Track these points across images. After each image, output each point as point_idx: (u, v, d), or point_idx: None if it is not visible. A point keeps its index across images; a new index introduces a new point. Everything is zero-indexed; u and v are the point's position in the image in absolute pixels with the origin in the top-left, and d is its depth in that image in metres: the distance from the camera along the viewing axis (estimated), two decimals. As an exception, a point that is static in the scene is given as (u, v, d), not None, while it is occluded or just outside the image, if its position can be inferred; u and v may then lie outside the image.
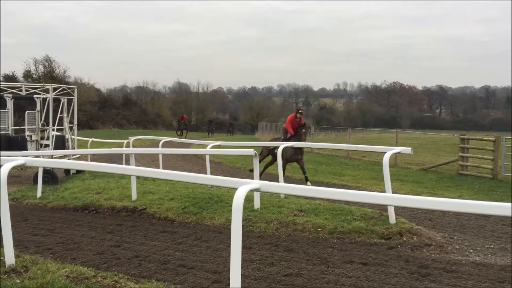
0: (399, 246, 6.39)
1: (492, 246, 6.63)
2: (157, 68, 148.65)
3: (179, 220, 7.95)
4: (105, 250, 6.07)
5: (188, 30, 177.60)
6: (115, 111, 59.16)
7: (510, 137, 15.72)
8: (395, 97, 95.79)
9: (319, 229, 6.97)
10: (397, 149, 7.76)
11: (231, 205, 3.68)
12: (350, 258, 5.77)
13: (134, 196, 9.13)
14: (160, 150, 12.56)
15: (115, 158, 16.87)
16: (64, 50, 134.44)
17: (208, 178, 4.94)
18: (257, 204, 8.00)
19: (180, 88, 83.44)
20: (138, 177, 9.73)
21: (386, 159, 7.24)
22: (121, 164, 13.90)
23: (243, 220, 7.19)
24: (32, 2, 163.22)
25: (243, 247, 5.73)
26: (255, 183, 3.98)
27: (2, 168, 4.77)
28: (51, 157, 12.04)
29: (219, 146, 11.47)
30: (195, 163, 19.46)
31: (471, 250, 6.39)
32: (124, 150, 12.27)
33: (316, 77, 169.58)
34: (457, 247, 6.53)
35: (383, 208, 7.69)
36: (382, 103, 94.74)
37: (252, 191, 3.96)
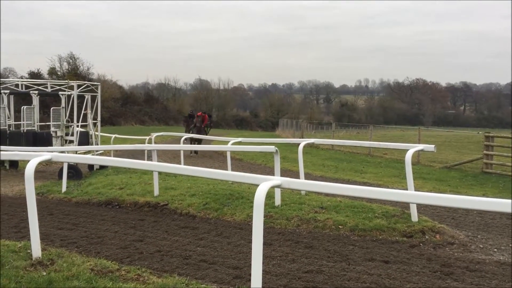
0: (421, 244, 6.33)
1: (517, 245, 6.51)
2: (178, 64, 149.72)
3: (200, 216, 8.02)
4: (128, 245, 6.17)
5: (209, 27, 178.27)
6: (137, 108, 59.79)
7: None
8: (417, 94, 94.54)
9: (340, 226, 6.95)
10: (420, 146, 7.68)
11: (252, 202, 3.70)
12: (371, 255, 5.74)
13: (156, 191, 9.24)
14: (181, 146, 12.67)
15: (138, 154, 17.09)
16: (88, 47, 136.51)
17: (229, 174, 4.98)
18: (278, 200, 8.02)
19: (201, 85, 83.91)
20: (160, 173, 9.84)
21: (408, 156, 7.17)
22: (143, 160, 14.07)
23: (264, 217, 7.24)
24: (57, 1, 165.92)
25: (264, 244, 5.75)
26: (277, 179, 3.99)
27: (29, 163, 4.89)
28: (76, 152, 12.27)
29: (239, 143, 11.50)
30: (216, 159, 19.57)
31: (495, 249, 6.29)
32: (146, 146, 12.42)
33: (338, 74, 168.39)
34: (481, 246, 6.43)
35: (405, 206, 7.62)
36: (404, 100, 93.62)
37: (273, 187, 3.97)
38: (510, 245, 6.53)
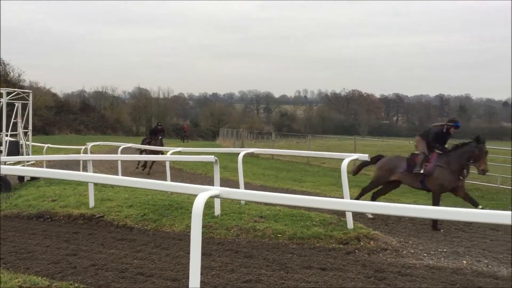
0: (356, 251, 6.52)
1: (444, 249, 6.86)
2: (117, 72, 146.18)
3: (138, 227, 7.84)
4: (61, 259, 5.91)
5: (150, 36, 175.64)
6: (72, 116, 57.66)
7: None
8: (354, 104, 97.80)
9: (279, 235, 7.03)
10: (355, 155, 7.94)
11: (191, 212, 3.67)
12: (309, 263, 5.85)
13: (91, 203, 8.93)
14: (119, 156, 12.35)
15: (72, 165, 16.45)
16: (20, 53, 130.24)
17: (167, 185, 4.91)
18: (217, 210, 7.99)
19: (140, 94, 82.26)
20: (96, 184, 9.53)
21: (344, 165, 7.40)
22: (78, 170, 13.57)
23: (203, 227, 7.18)
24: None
25: (203, 254, 5.71)
26: (215, 189, 3.99)
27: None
28: (4, 163, 11.62)
29: (179, 153, 11.38)
30: (155, 169, 19.22)
31: (425, 254, 6.60)
32: (81, 157, 11.99)
33: (278, 84, 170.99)
34: (412, 251, 6.72)
35: (341, 213, 7.83)
36: (341, 111, 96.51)
37: (212, 197, 3.96)
38: (439, 249, 6.88)
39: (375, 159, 9.45)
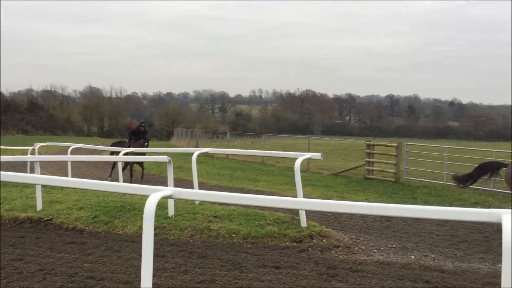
0: (309, 248, 6.62)
1: (394, 245, 7.07)
2: (67, 71, 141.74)
3: (88, 230, 7.63)
4: (6, 265, 5.67)
5: (102, 33, 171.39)
6: (19, 116, 55.49)
7: (412, 143, 16.91)
8: (308, 104, 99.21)
9: (233, 235, 7.04)
10: (308, 154, 8.04)
11: (143, 213, 3.60)
12: (263, 262, 5.88)
13: (39, 206, 8.62)
14: (68, 157, 11.97)
15: (18, 166, 15.82)
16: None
17: (118, 186, 4.80)
18: (171, 211, 7.90)
19: (91, 93, 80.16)
20: (44, 186, 9.20)
21: (297, 164, 7.48)
22: (25, 172, 13.06)
23: (156, 228, 7.11)
24: None
25: (157, 256, 5.64)
26: (167, 190, 3.93)
27: None
28: None
29: (132, 153, 11.17)
30: (108, 170, 18.78)
31: (375, 250, 6.78)
32: (28, 158, 11.54)
33: (233, 84, 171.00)
34: (363, 247, 6.89)
35: (295, 212, 7.92)
36: (296, 110, 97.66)
37: (164, 198, 3.91)
38: (389, 245, 7.09)
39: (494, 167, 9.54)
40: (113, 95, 79.76)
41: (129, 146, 14.55)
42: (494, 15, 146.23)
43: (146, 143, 14.92)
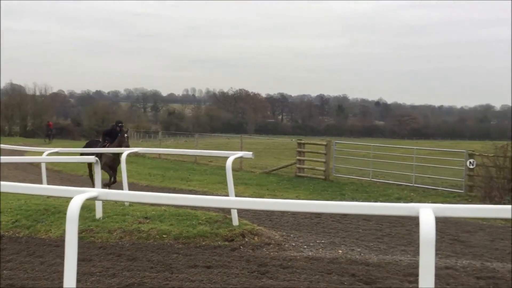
0: (241, 247, 6.66)
1: (323, 241, 7.28)
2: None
3: (8, 235, 7.21)
4: None
5: (25, 28, 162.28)
6: None
7: (340, 142, 17.49)
8: (241, 103, 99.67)
9: (164, 236, 6.93)
10: (239, 153, 8.10)
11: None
12: (194, 262, 5.85)
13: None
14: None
15: None
16: None
17: (39, 188, 4.56)
18: (99, 213, 7.64)
19: (13, 90, 75.64)
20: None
21: (228, 163, 7.50)
22: None
23: (83, 231, 6.85)
24: None
25: (83, 260, 5.44)
26: (93, 191, 3.79)
27: None
28: None
29: (57, 153, 10.68)
30: (31, 171, 17.83)
31: (305, 246, 6.94)
32: None
33: (165, 82, 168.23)
34: (293, 244, 7.04)
35: (227, 211, 7.94)
36: (229, 109, 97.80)
37: (90, 200, 3.76)
38: (318, 241, 7.29)
39: None
40: (37, 93, 75.82)
41: (104, 147, 12.61)
42: (421, 20, 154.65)
43: (125, 143, 12.35)
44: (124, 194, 4.34)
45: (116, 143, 12.33)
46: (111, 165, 12.29)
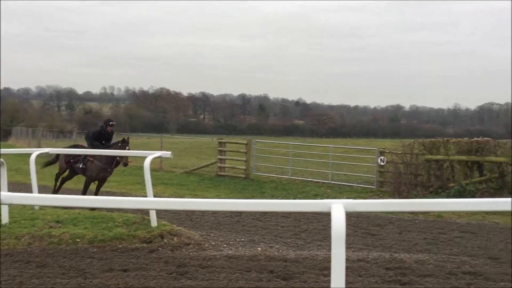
0: (160, 248, 6.54)
1: (242, 239, 7.35)
2: None
3: None
4: None
5: None
6: None
7: (261, 141, 17.73)
8: (162, 102, 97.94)
9: (77, 240, 6.63)
10: (158, 153, 7.94)
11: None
12: (110, 266, 5.65)
13: None
14: None
15: None
16: None
17: None
18: (5, 218, 7.14)
19: None
20: None
21: (146, 163, 7.34)
22: None
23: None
24: None
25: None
26: (-5, 195, 3.53)
27: None
28: None
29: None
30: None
31: (225, 245, 6.96)
32: None
33: (81, 80, 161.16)
34: (213, 243, 7.03)
35: (145, 212, 7.76)
36: (150, 108, 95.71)
37: (-9, 204, 3.51)
38: (237, 239, 7.33)
39: None
40: None
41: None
42: (342, 22, 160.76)
43: (127, 146, 10.19)
44: (32, 198, 4.09)
45: (115, 146, 10.25)
46: (100, 177, 10.46)
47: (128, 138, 10.83)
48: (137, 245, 6.63)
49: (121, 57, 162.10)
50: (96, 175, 10.49)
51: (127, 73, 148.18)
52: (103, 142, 10.58)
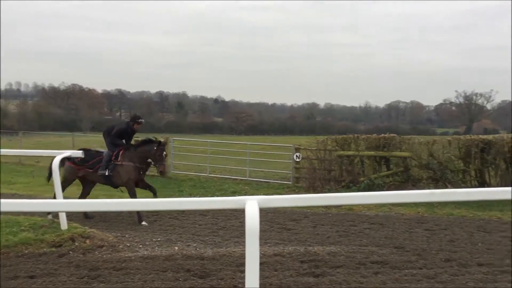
0: (70, 252, 6.26)
1: (159, 239, 7.22)
2: None
3: None
4: None
5: None
6: None
7: (179, 138, 17.50)
8: (74, 99, 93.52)
9: (-23, 247, 6.15)
10: (67, 152, 7.57)
11: None
12: (15, 273, 5.32)
13: None
14: None
15: None
16: None
17: None
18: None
19: None
20: None
21: (55, 163, 6.98)
22: None
23: None
24: None
25: None
26: None
27: None
28: None
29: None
30: None
31: (141, 246, 6.81)
32: None
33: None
34: (128, 244, 6.84)
35: (55, 214, 7.38)
36: (61, 105, 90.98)
37: None
38: (154, 239, 7.19)
39: None
40: None
41: (118, 153, 9.10)
42: (258, 21, 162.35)
43: (165, 152, 9.27)
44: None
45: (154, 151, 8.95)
46: (138, 179, 9.14)
47: (167, 139, 9.38)
48: (45, 249, 6.29)
49: (30, 51, 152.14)
50: (135, 177, 9.05)
51: (36, 69, 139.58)
52: (123, 141, 9.41)
